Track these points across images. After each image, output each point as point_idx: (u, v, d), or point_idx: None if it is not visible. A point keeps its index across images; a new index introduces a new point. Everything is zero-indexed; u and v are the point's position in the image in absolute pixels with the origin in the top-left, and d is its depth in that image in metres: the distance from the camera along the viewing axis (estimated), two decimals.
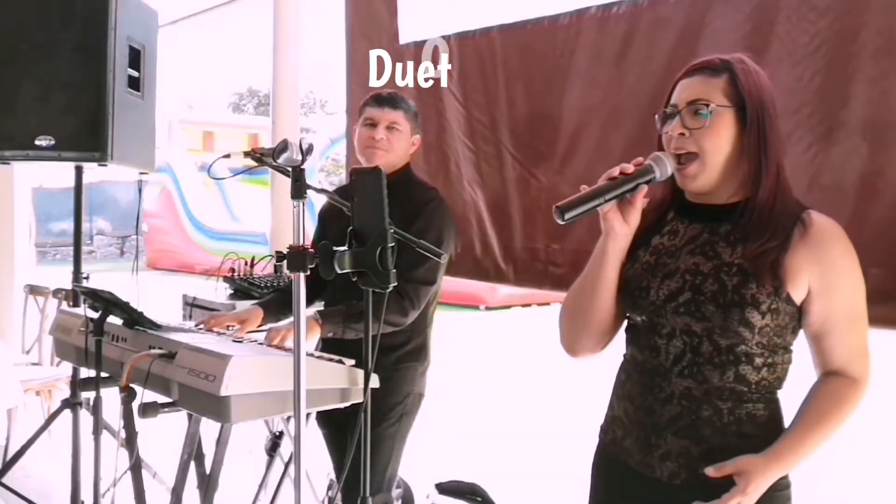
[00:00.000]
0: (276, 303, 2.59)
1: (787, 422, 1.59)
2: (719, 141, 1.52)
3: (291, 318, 1.89)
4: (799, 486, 1.60)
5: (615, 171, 1.50)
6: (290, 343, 2.26)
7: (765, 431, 1.54)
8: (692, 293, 1.53)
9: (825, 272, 1.50)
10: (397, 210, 2.38)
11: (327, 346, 2.53)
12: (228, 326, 2.52)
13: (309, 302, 2.64)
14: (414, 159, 2.73)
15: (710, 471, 1.49)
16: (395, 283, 2.31)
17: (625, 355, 1.70)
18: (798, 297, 1.51)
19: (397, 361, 2.54)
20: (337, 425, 2.55)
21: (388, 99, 2.58)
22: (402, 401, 2.55)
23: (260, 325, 2.55)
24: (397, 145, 2.55)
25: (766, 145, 1.53)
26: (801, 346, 1.60)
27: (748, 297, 1.48)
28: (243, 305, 3.08)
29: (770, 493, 1.52)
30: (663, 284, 1.57)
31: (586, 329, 1.64)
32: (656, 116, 1.60)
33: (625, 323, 1.69)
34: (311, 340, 2.39)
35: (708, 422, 1.53)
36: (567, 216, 1.45)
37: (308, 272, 1.81)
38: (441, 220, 2.54)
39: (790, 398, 1.60)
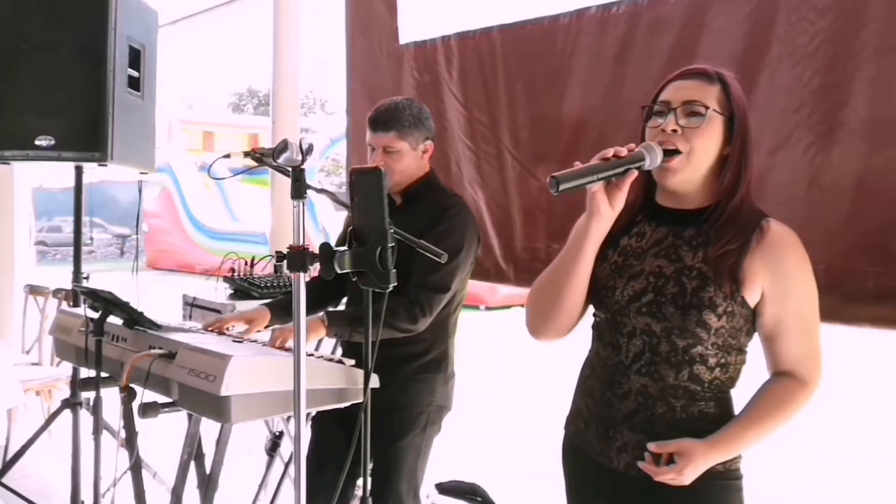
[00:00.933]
0: (284, 304, 2.57)
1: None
2: (709, 144, 1.58)
3: (304, 321, 1.88)
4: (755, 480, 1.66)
5: (609, 153, 1.53)
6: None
7: (715, 428, 1.59)
8: (654, 294, 1.59)
9: (778, 279, 1.56)
10: (418, 218, 2.38)
11: (349, 349, 2.53)
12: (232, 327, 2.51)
13: (323, 304, 2.62)
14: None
15: (652, 447, 1.57)
16: (406, 288, 2.35)
17: (589, 351, 1.75)
18: (752, 301, 1.57)
19: (417, 371, 2.50)
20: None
21: (379, 121, 2.47)
22: (425, 410, 2.51)
23: (267, 327, 2.55)
24: (398, 166, 2.46)
25: (748, 157, 1.60)
26: (755, 348, 1.65)
27: (706, 300, 1.55)
28: (243, 305, 3.08)
29: (721, 481, 1.59)
30: (628, 285, 1.63)
31: (557, 310, 1.66)
32: (643, 109, 1.64)
33: (591, 320, 1.74)
34: (313, 340, 2.38)
35: (661, 418, 1.59)
36: (562, 188, 1.48)
37: (307, 272, 1.81)
38: (463, 226, 2.49)
39: (743, 396, 1.64)
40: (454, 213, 2.49)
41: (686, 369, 1.58)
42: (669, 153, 1.56)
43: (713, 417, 1.60)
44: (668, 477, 1.54)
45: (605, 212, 1.56)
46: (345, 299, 2.69)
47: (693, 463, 1.53)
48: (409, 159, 2.49)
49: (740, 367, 1.63)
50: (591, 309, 1.72)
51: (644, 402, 1.60)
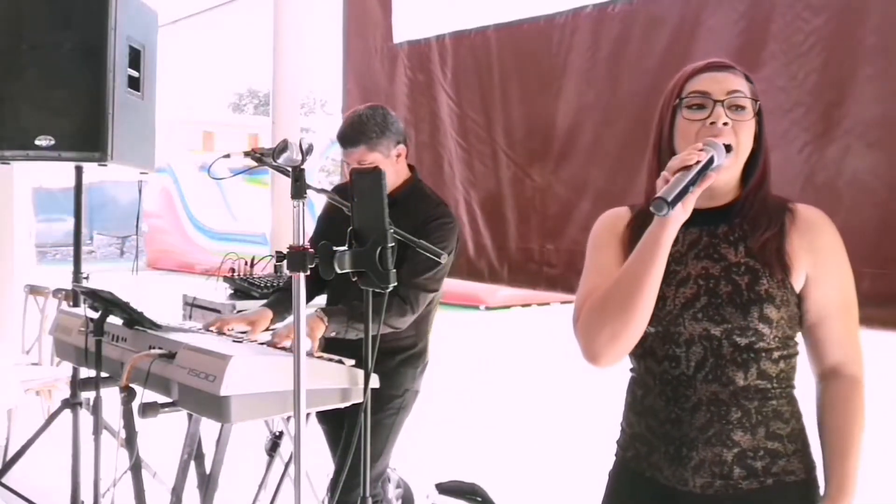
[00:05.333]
0: (282, 302, 2.60)
1: (805, 419, 1.59)
2: (750, 138, 1.55)
3: (304, 320, 1.89)
4: None
5: (692, 160, 1.44)
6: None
7: (791, 429, 1.55)
8: (709, 297, 1.53)
9: (819, 260, 1.54)
10: (403, 223, 2.39)
11: (329, 346, 2.54)
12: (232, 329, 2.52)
13: (309, 299, 2.66)
14: (413, 165, 2.70)
15: None
16: (397, 285, 2.37)
17: (635, 370, 1.66)
18: (798, 285, 1.53)
19: (400, 364, 2.61)
20: (337, 421, 2.56)
21: (347, 137, 2.55)
22: (402, 395, 2.62)
23: (269, 327, 2.56)
24: None
25: (769, 150, 1.59)
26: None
27: (763, 293, 1.50)
28: (243, 305, 3.08)
29: (803, 488, 1.55)
30: (678, 292, 1.56)
31: (629, 328, 1.52)
32: (676, 102, 1.57)
33: None
34: (316, 336, 2.38)
35: (738, 424, 1.53)
36: (675, 208, 1.40)
37: (308, 272, 1.82)
38: (450, 235, 2.56)
39: (808, 405, 1.60)
40: (441, 224, 2.54)
41: (753, 367, 1.52)
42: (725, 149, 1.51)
43: (786, 416, 1.55)
44: None
45: (681, 216, 1.46)
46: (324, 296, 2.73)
47: None
48: (383, 168, 2.50)
49: (796, 358, 1.58)
50: None
51: (717, 410, 1.52)
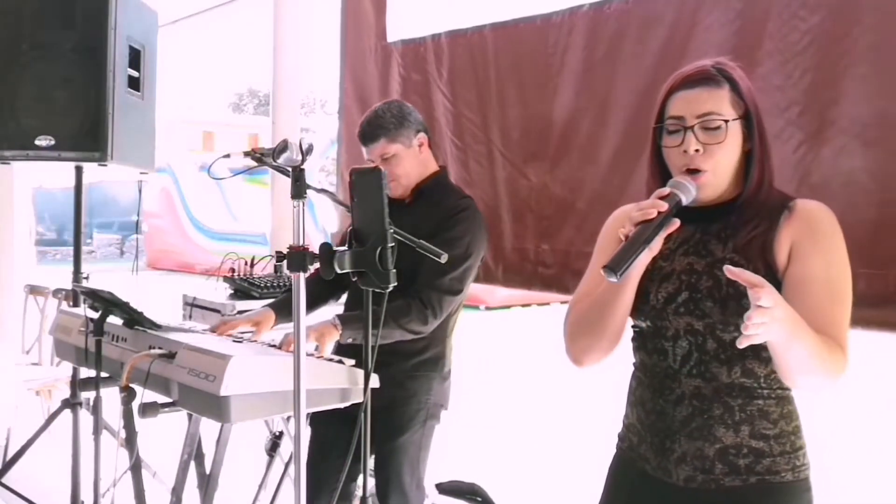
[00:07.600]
0: (286, 303, 2.58)
1: (803, 422, 1.59)
2: (732, 153, 1.55)
3: (305, 321, 1.88)
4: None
5: (652, 213, 1.47)
6: (311, 346, 2.25)
7: (779, 430, 1.55)
8: (689, 292, 1.56)
9: (806, 237, 1.52)
10: (427, 216, 2.40)
11: (346, 348, 2.53)
12: (242, 332, 2.51)
13: (323, 301, 2.66)
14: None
15: (729, 270, 1.35)
16: (417, 288, 2.37)
17: (634, 363, 1.70)
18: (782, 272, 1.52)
19: (414, 368, 2.52)
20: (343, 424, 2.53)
21: (366, 134, 2.52)
22: (423, 406, 2.53)
23: (272, 328, 2.56)
24: (399, 170, 2.50)
25: (767, 148, 1.58)
26: None
27: (742, 288, 1.47)
28: (243, 305, 3.08)
29: (788, 486, 1.54)
30: (661, 287, 1.59)
31: (601, 341, 1.62)
32: (656, 128, 1.60)
33: (631, 332, 1.69)
34: (330, 344, 2.36)
35: (720, 420, 1.54)
36: (621, 275, 1.43)
37: (307, 272, 1.82)
38: (474, 229, 2.51)
39: (804, 405, 1.61)
40: (465, 217, 2.50)
41: (738, 365, 1.53)
42: (694, 172, 1.53)
43: (774, 417, 1.55)
44: (756, 314, 1.29)
45: (648, 256, 1.50)
46: (344, 296, 2.71)
47: (772, 292, 1.31)
48: (407, 159, 2.53)
49: None
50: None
51: (699, 405, 1.55)
